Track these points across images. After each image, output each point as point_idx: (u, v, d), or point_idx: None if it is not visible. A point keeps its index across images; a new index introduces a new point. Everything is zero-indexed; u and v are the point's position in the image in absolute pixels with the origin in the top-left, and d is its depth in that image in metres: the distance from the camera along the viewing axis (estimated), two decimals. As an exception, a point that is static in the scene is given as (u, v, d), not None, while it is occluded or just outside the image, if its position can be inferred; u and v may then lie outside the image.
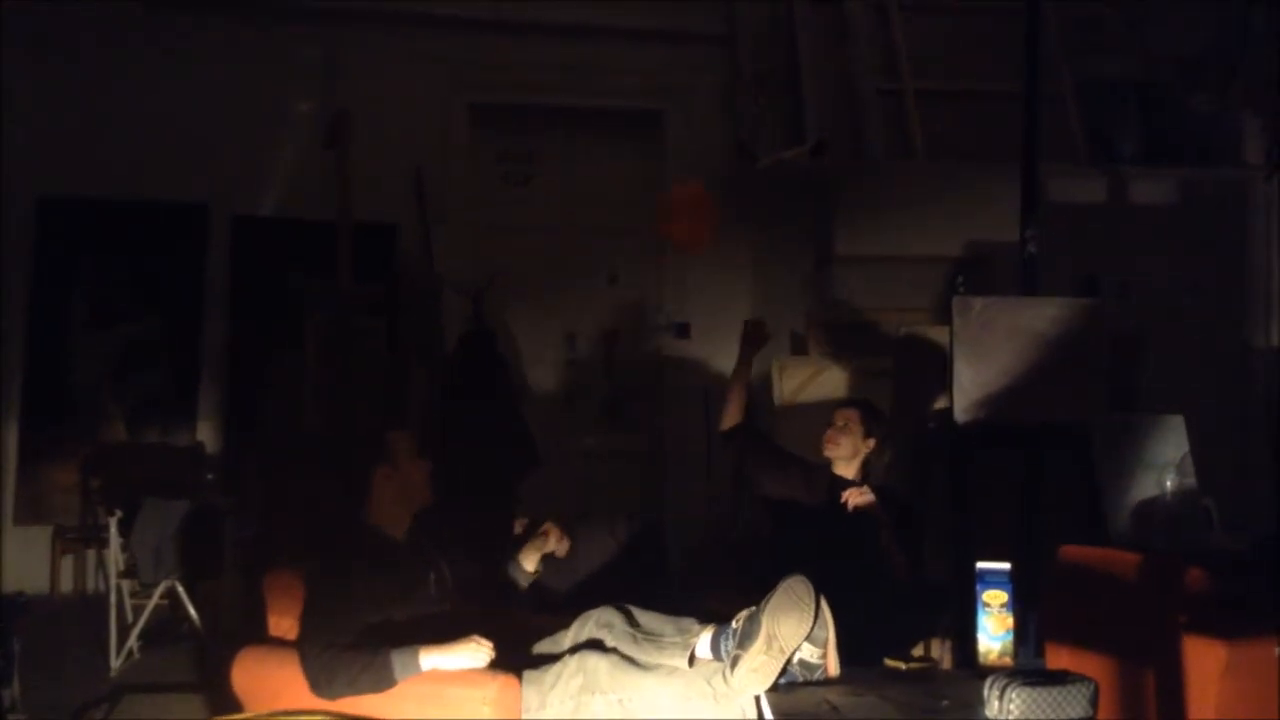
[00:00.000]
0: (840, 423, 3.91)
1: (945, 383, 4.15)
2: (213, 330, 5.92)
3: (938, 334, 4.44)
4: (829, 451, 3.90)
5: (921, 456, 4.38)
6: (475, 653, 2.89)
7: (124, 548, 4.71)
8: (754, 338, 4.18)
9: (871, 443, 3.90)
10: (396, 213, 5.94)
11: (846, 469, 3.89)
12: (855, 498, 3.71)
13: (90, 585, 5.59)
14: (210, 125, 5.81)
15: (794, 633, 2.77)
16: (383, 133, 5.84)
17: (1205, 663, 2.84)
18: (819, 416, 4.06)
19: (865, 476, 3.90)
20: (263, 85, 5.89)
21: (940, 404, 4.31)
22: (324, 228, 5.60)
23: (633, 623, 3.05)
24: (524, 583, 3.34)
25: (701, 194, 5.03)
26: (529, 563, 3.32)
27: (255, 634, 3.12)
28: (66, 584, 5.54)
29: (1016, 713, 2.46)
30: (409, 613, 3.01)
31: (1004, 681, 2.51)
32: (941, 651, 3.87)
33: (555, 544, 3.36)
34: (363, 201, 5.64)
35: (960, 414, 4.08)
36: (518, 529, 3.70)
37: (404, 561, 3.11)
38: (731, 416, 4.11)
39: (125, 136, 5.77)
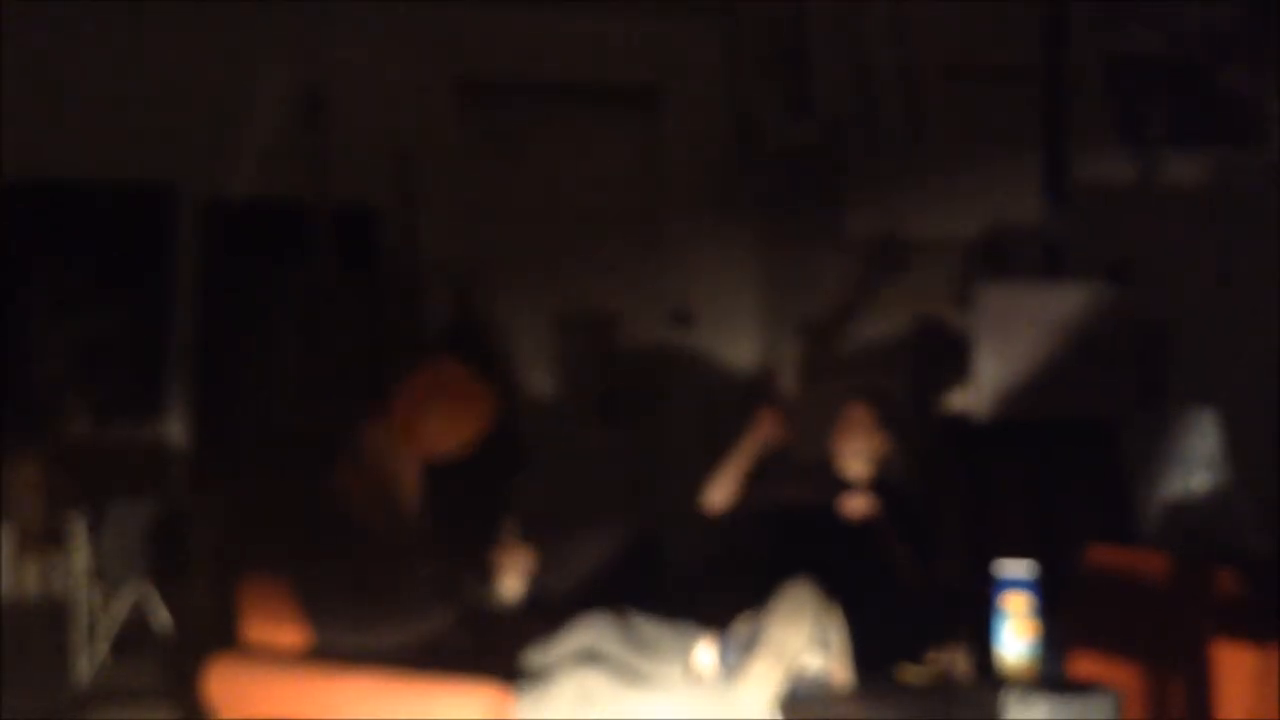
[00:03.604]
0: (851, 419, 3.90)
1: (964, 371, 4.18)
2: (182, 321, 5.93)
3: (956, 319, 4.46)
4: (841, 452, 3.89)
5: (939, 451, 4.40)
6: None
7: (91, 549, 4.74)
8: (769, 432, 3.78)
9: (885, 438, 3.90)
10: (378, 196, 5.95)
11: (859, 467, 3.89)
12: (855, 507, 3.68)
13: (57, 587, 5.61)
14: (179, 102, 5.80)
15: (798, 638, 2.80)
16: (363, 110, 5.85)
17: (1236, 669, 2.86)
18: (830, 406, 4.05)
19: (878, 474, 3.89)
20: (235, 59, 5.88)
21: (959, 394, 4.33)
22: (301, 211, 5.63)
23: (629, 629, 3.07)
24: (511, 600, 3.38)
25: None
26: (509, 587, 3.35)
27: (226, 639, 3.15)
28: (31, 586, 5.56)
29: (1036, 724, 2.48)
30: (404, 624, 3.06)
31: (1021, 692, 2.53)
32: (958, 659, 3.90)
33: (514, 571, 3.36)
34: (342, 183, 5.66)
35: (981, 407, 4.11)
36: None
37: (396, 558, 3.16)
38: (718, 496, 3.82)
39: (87, 115, 5.75)
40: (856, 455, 3.86)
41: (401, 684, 2.90)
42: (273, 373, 5.51)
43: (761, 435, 3.79)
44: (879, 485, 3.80)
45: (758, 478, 3.93)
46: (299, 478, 4.42)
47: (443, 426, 3.28)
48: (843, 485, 3.84)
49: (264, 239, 5.80)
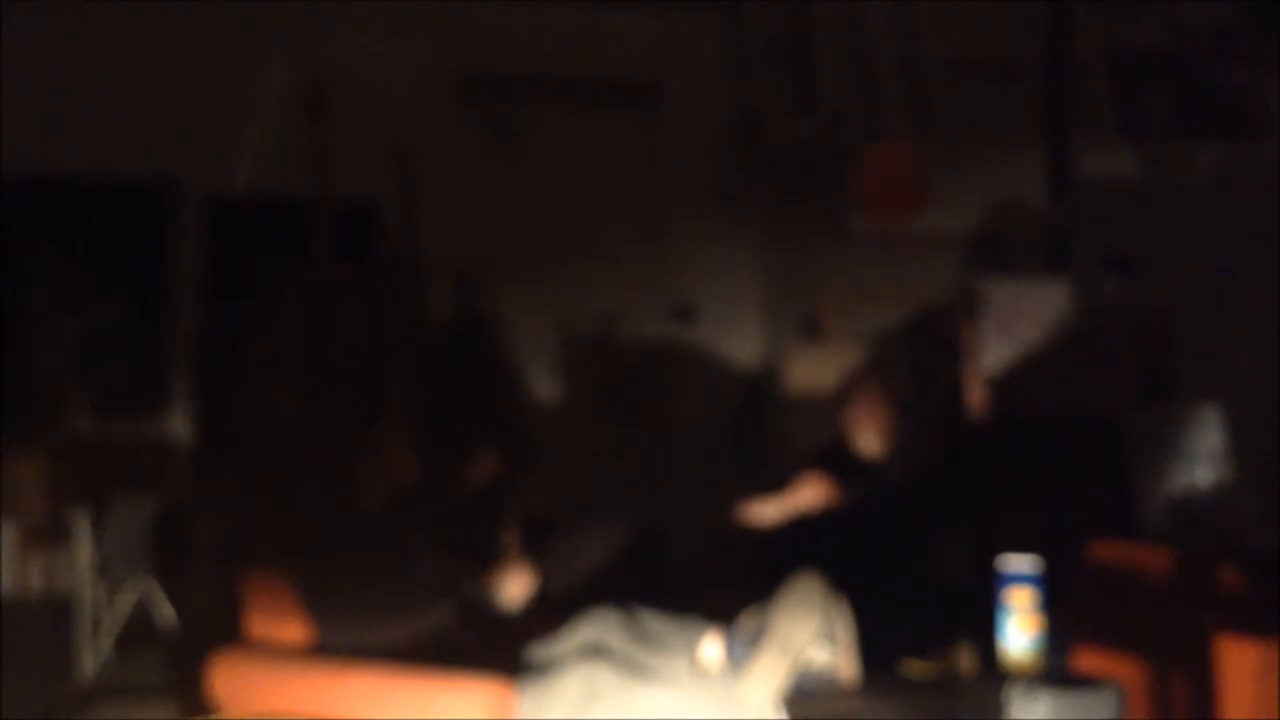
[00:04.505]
0: (862, 394, 3.89)
1: (968, 368, 4.18)
2: (183, 316, 5.93)
3: (960, 315, 4.46)
4: (855, 428, 3.87)
5: (943, 446, 4.40)
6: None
7: (94, 545, 4.75)
8: (813, 496, 3.75)
9: (894, 415, 3.89)
10: (379, 190, 5.95)
11: (872, 445, 3.87)
12: (811, 496, 3.68)
13: (61, 583, 5.62)
14: (180, 97, 5.80)
15: (804, 632, 2.80)
16: (365, 105, 5.85)
17: (1240, 665, 2.86)
18: (832, 405, 4.05)
19: (890, 453, 3.88)
20: (238, 56, 5.89)
21: (963, 390, 4.33)
22: (301, 206, 5.63)
23: (633, 624, 3.07)
24: (515, 606, 3.39)
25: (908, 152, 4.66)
26: (512, 593, 3.36)
27: (230, 634, 3.15)
28: (36, 581, 5.57)
29: None
30: (405, 621, 3.08)
31: (1026, 687, 2.53)
32: (963, 655, 3.90)
33: (518, 585, 3.37)
34: (343, 178, 5.66)
35: (982, 401, 4.10)
36: (509, 539, 3.73)
37: (399, 554, 3.17)
38: (753, 520, 3.83)
39: (89, 110, 5.77)
40: (869, 430, 3.85)
41: (405, 680, 2.90)
42: (275, 368, 5.51)
43: (804, 499, 3.74)
44: (887, 479, 3.80)
45: None
46: (301, 473, 4.43)
47: None
48: (851, 475, 3.83)
49: (266, 235, 5.81)
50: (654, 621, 3.09)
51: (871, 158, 4.86)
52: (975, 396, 4.08)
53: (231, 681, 2.98)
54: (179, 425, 5.86)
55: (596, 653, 2.98)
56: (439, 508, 3.59)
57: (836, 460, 3.89)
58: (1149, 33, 6.13)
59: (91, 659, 4.62)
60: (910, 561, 3.71)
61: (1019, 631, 2.89)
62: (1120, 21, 6.10)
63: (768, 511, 3.76)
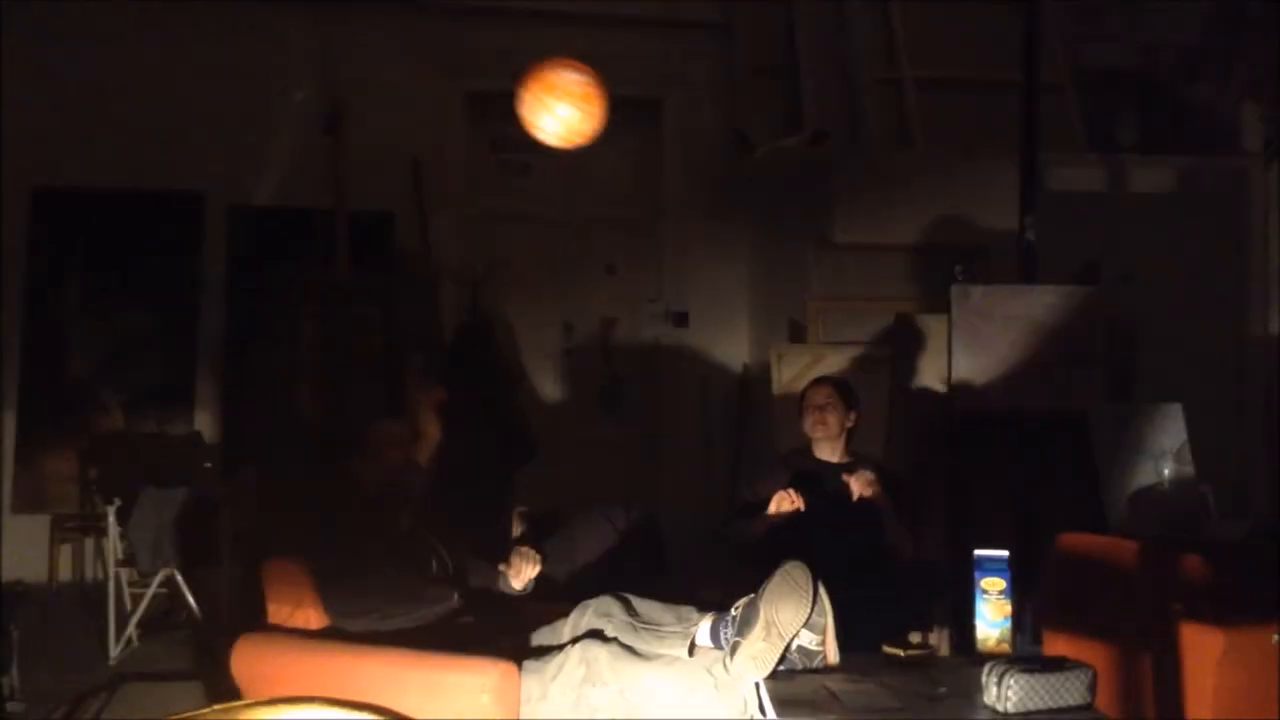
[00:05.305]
0: (821, 401, 3.88)
1: (943, 369, 4.17)
2: (209, 320, 5.93)
3: (933, 320, 4.47)
4: (816, 433, 3.88)
5: (919, 443, 4.40)
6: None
7: (122, 536, 4.74)
8: (786, 508, 3.70)
9: (853, 417, 3.89)
10: (394, 202, 5.95)
11: (832, 449, 3.88)
12: (860, 487, 3.67)
13: (89, 574, 5.62)
14: (206, 114, 5.81)
15: (793, 618, 2.78)
16: (380, 121, 5.85)
17: (1203, 650, 2.85)
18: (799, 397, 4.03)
19: (852, 455, 3.89)
20: (259, 73, 5.89)
21: (938, 390, 4.33)
22: (321, 217, 5.63)
23: (632, 612, 3.06)
24: (519, 592, 3.38)
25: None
26: (517, 582, 3.35)
27: (252, 622, 3.14)
28: (65, 573, 5.57)
29: (1014, 700, 2.47)
30: (414, 610, 3.07)
31: (1002, 668, 2.52)
32: (939, 639, 3.89)
33: (528, 570, 3.37)
34: (360, 190, 5.66)
35: (958, 401, 4.10)
36: (516, 528, 3.72)
37: (407, 547, 3.16)
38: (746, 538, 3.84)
39: (121, 127, 5.78)
40: (826, 436, 3.85)
41: (416, 661, 2.89)
42: (295, 368, 5.52)
43: (779, 510, 3.75)
44: (867, 467, 3.78)
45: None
46: (320, 468, 4.42)
47: None
48: (823, 469, 3.82)
49: (287, 243, 5.81)
50: (650, 608, 3.08)
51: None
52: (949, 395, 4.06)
53: (251, 666, 2.97)
54: (205, 422, 5.86)
55: (596, 639, 2.97)
56: (443, 486, 3.58)
57: (799, 465, 3.88)
58: (1117, 53, 6.14)
59: (119, 646, 4.61)
60: (882, 553, 3.70)
61: (993, 617, 2.89)
62: (1089, 43, 6.10)
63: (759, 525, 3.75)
